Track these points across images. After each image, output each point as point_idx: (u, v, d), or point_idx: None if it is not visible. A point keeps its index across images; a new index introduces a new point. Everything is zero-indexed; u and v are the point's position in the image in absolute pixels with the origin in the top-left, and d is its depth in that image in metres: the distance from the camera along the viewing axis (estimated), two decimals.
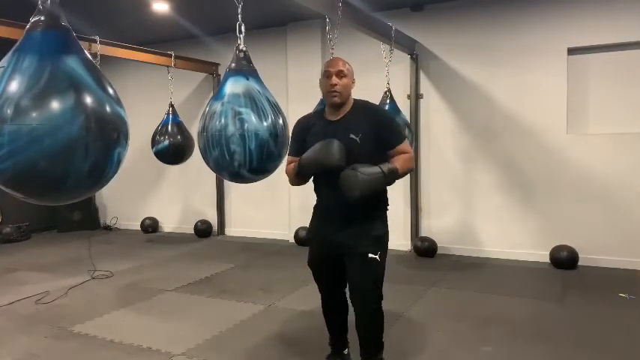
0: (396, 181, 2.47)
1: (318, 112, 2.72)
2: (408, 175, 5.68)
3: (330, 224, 2.59)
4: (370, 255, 2.48)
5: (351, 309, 2.61)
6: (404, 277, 4.75)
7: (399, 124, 2.69)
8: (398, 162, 2.45)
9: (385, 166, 2.38)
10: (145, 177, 7.59)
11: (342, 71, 2.49)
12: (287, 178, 2.66)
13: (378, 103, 4.77)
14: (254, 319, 3.73)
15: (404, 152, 2.50)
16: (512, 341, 3.24)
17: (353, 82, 2.57)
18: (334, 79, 2.47)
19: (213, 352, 3.16)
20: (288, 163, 2.68)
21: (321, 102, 3.42)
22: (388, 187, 2.68)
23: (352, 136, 2.42)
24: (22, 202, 2.17)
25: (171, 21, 6.03)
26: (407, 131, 4.73)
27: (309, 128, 2.60)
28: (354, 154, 2.40)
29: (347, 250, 2.52)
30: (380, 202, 2.60)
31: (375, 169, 2.36)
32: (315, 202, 2.71)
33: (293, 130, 2.71)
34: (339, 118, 2.54)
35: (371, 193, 2.36)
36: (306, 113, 2.80)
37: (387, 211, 2.65)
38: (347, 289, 2.65)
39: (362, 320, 2.53)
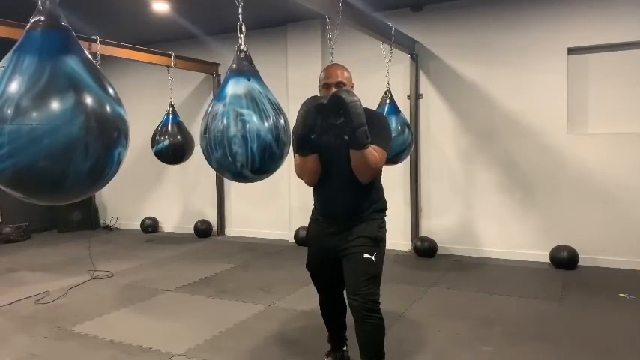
0: (368, 166, 2.36)
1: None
2: (408, 175, 5.78)
3: (328, 227, 2.60)
4: (366, 255, 2.46)
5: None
6: (404, 277, 4.75)
7: (390, 134, 2.65)
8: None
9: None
10: (145, 177, 7.59)
11: (341, 82, 2.47)
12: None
13: (378, 103, 4.77)
14: (254, 319, 3.74)
15: (378, 151, 2.40)
16: (512, 341, 3.24)
17: (352, 88, 2.56)
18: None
19: (213, 352, 3.16)
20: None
21: None
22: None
23: (346, 137, 2.36)
24: (22, 202, 2.16)
25: (171, 21, 6.03)
26: (407, 131, 4.72)
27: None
28: (345, 155, 2.39)
29: (343, 251, 2.52)
30: (377, 205, 2.59)
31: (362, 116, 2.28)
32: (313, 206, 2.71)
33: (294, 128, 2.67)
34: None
35: (352, 110, 2.24)
36: None
37: (385, 216, 2.64)
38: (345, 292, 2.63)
39: (361, 330, 2.49)
